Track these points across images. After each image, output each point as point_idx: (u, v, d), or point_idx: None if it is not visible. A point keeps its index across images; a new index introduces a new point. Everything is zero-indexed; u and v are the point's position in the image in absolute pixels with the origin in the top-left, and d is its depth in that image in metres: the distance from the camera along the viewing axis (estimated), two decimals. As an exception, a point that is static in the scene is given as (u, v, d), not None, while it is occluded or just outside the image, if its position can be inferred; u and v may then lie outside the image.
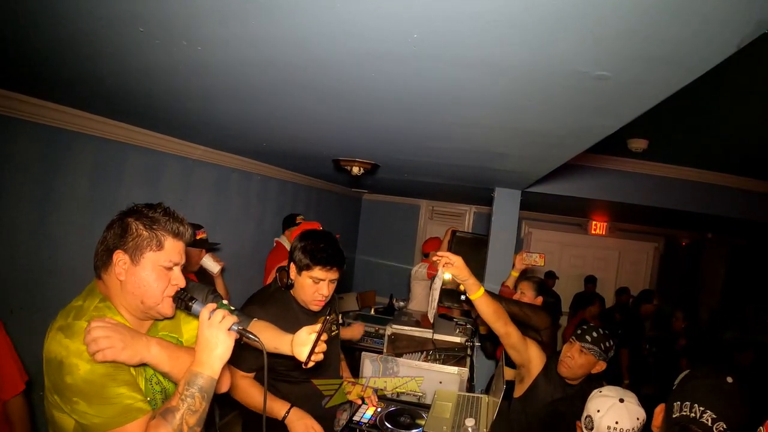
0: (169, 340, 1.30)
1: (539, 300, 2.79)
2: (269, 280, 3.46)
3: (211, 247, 3.01)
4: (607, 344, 1.91)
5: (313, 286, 1.79)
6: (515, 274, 3.16)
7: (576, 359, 1.90)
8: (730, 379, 1.12)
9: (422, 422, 2.10)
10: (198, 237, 2.74)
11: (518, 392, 2.08)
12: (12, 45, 1.38)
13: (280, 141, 2.73)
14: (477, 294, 1.86)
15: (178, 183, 3.14)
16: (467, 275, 1.84)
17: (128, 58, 1.40)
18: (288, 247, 3.56)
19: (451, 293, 3.42)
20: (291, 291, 1.87)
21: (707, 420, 1.06)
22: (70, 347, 1.06)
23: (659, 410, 1.21)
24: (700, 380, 1.15)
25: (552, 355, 2.09)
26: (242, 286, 3.67)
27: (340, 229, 3.62)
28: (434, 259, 1.86)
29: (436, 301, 1.96)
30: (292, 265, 1.83)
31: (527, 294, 2.79)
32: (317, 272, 1.77)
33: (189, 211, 3.24)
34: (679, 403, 1.12)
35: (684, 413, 1.09)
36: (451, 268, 1.84)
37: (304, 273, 1.79)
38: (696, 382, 1.15)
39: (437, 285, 1.92)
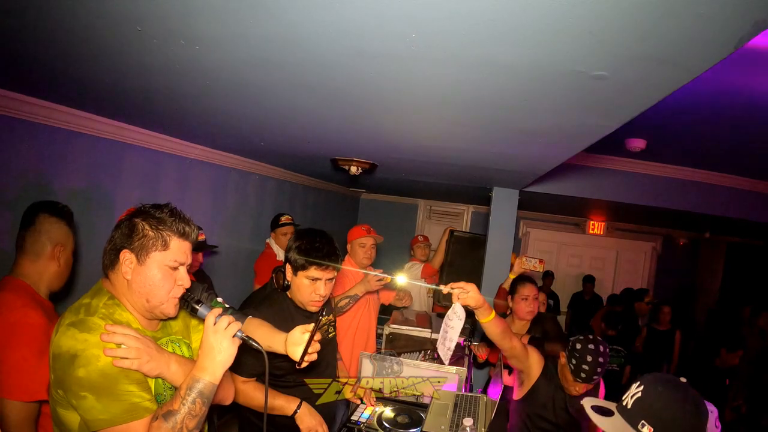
0: (182, 345, 1.35)
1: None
2: (258, 284, 3.46)
3: (209, 249, 3.00)
4: (605, 366, 1.88)
5: (311, 286, 1.78)
6: (513, 276, 3.15)
7: (583, 390, 1.93)
8: (683, 379, 1.13)
9: (420, 422, 2.10)
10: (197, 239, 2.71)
11: (519, 395, 2.09)
12: (9, 44, 1.37)
13: (278, 140, 2.72)
14: (488, 318, 1.80)
15: (176, 182, 3.13)
16: (482, 302, 1.78)
17: (126, 57, 1.39)
18: (274, 249, 3.54)
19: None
20: (288, 292, 1.86)
21: None
22: (89, 339, 1.08)
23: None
24: (680, 404, 1.09)
25: (548, 357, 2.10)
26: (240, 286, 3.67)
27: (338, 229, 3.58)
28: (446, 290, 1.78)
29: (455, 342, 1.81)
30: (287, 266, 1.82)
31: None
32: (313, 272, 1.75)
33: (186, 210, 3.23)
34: None
35: None
36: (467, 298, 1.75)
37: (300, 273, 1.77)
38: (678, 407, 1.09)
39: (455, 324, 1.78)
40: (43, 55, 1.45)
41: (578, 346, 1.87)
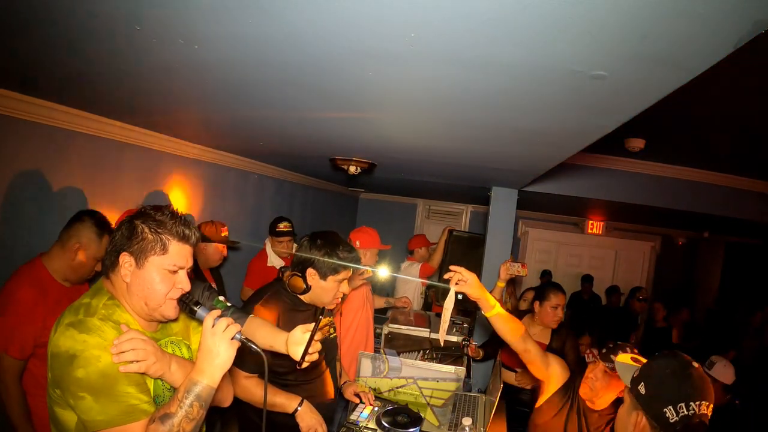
0: (182, 346, 1.35)
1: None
2: (248, 284, 3.46)
3: (233, 245, 3.13)
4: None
5: (337, 287, 1.88)
6: (501, 284, 3.12)
7: (600, 380, 1.77)
8: (696, 364, 1.22)
9: (419, 421, 2.10)
10: (223, 234, 2.94)
11: (537, 402, 1.98)
12: (7, 44, 1.37)
13: (277, 140, 2.72)
14: (493, 312, 1.75)
15: (176, 182, 3.13)
16: (481, 293, 1.74)
17: (124, 56, 1.39)
18: (268, 253, 3.50)
19: (445, 293, 3.40)
20: (303, 294, 1.88)
21: (705, 409, 1.14)
22: (89, 341, 1.08)
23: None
24: (679, 375, 1.18)
25: (573, 374, 1.95)
26: (239, 285, 3.66)
27: (336, 228, 3.57)
28: (446, 276, 1.78)
29: (447, 323, 1.84)
30: (311, 270, 1.84)
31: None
32: (344, 274, 1.87)
33: (185, 210, 3.23)
34: (672, 407, 1.14)
35: (683, 413, 1.13)
36: (464, 286, 1.73)
37: (331, 278, 1.84)
38: (677, 378, 1.18)
39: (449, 305, 1.80)
40: (40, 54, 1.44)
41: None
